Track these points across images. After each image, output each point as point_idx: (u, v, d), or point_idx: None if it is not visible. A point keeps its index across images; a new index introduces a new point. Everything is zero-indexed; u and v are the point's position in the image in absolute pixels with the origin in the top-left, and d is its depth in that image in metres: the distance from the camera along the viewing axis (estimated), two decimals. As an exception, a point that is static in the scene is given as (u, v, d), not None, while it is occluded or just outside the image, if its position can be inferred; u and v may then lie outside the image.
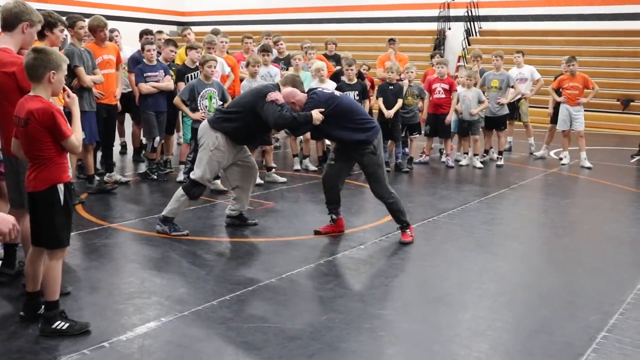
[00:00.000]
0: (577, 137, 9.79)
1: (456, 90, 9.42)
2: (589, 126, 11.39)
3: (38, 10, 4.13)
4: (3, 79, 3.82)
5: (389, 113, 8.75)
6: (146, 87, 7.67)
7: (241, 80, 8.78)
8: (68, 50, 6.49)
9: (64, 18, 5.63)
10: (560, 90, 9.95)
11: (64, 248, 3.61)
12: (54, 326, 3.52)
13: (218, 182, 7.32)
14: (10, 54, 3.88)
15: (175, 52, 8.40)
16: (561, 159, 10.06)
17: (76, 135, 3.51)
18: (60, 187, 3.52)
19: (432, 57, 10.91)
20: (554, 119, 10.40)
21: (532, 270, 5.12)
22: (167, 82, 7.81)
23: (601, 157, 10.67)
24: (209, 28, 9.96)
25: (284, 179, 8.02)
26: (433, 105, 9.48)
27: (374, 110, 9.46)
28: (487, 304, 4.28)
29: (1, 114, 3.89)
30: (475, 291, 4.50)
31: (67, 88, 3.69)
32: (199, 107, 7.12)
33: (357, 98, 8.59)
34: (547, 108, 10.97)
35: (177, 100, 7.32)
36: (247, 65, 8.04)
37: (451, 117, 9.43)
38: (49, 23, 5.17)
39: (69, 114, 3.61)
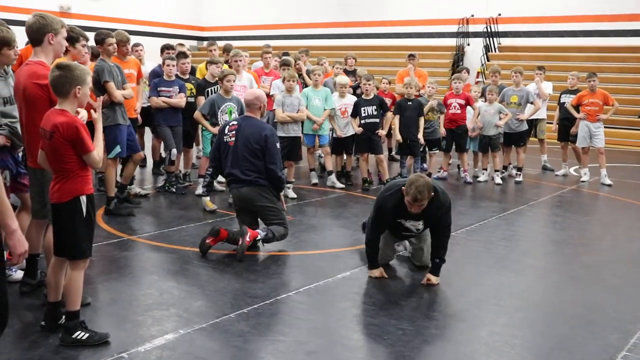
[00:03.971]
0: (597, 154, 9.70)
1: (472, 104, 9.40)
2: (609, 143, 11.29)
3: None
4: (36, 91, 3.91)
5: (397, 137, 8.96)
6: (156, 101, 7.82)
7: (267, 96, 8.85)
8: (98, 65, 6.58)
9: (86, 33, 5.73)
10: (579, 106, 9.89)
11: (85, 259, 3.67)
12: (74, 336, 3.57)
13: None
14: (45, 67, 3.96)
15: (188, 64, 8.39)
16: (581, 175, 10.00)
17: (97, 150, 3.58)
18: (83, 199, 3.58)
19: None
20: (563, 136, 10.36)
21: (551, 287, 5.08)
22: (179, 100, 7.89)
23: (622, 175, 10.57)
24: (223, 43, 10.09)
25: (294, 195, 8.01)
26: (448, 121, 9.45)
27: (393, 126, 9.46)
28: (505, 320, 4.25)
29: (30, 125, 3.97)
30: (493, 308, 4.47)
31: (92, 104, 3.76)
32: (219, 122, 7.19)
33: (374, 113, 8.62)
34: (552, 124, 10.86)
35: (197, 114, 7.42)
36: (283, 80, 8.16)
37: (471, 125, 9.40)
38: (71, 38, 5.24)
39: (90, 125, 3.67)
